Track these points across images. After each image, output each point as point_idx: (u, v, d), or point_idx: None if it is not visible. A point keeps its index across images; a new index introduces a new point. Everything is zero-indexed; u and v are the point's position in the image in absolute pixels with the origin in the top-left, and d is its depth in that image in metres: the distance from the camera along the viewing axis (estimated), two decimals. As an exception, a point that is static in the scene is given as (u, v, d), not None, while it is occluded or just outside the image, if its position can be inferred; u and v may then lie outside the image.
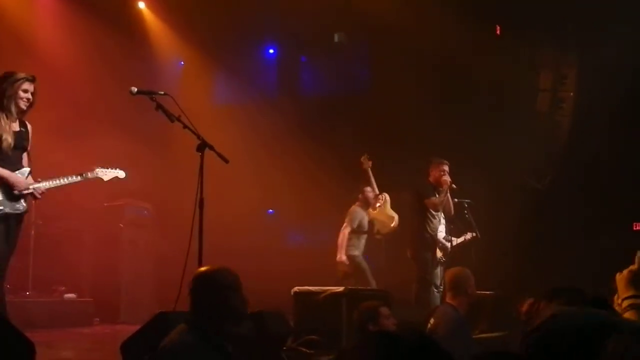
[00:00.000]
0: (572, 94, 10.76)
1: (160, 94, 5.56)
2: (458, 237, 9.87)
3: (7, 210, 5.56)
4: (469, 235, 9.82)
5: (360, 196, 9.95)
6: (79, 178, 6.03)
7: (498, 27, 11.34)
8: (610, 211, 9.94)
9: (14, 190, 5.61)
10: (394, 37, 11.35)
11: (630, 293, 3.00)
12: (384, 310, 5.24)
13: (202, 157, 5.45)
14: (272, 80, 13.83)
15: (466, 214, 9.81)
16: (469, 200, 9.84)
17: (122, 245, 10.51)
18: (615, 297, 4.08)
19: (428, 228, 8.94)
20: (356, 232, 9.83)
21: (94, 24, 10.68)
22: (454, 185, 8.86)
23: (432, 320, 5.43)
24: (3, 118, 5.58)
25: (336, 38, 13.00)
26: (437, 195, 8.88)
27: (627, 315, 2.84)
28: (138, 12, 12.29)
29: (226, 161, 6.75)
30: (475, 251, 9.77)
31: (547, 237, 10.40)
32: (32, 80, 5.70)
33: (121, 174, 6.30)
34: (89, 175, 6.10)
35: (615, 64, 9.61)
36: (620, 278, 3.09)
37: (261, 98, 13.13)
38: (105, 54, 10.87)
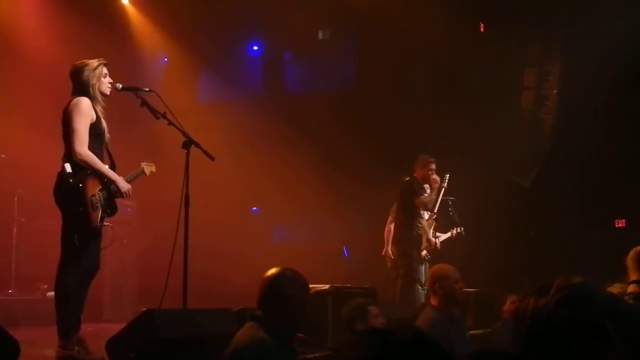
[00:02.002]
0: (555, 91, 10.80)
1: (146, 91, 5.53)
2: (444, 233, 9.91)
3: (109, 216, 5.41)
4: (455, 231, 9.85)
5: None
6: (138, 174, 5.83)
7: (482, 24, 11.36)
8: (594, 209, 10.01)
9: (119, 195, 5.46)
10: (378, 33, 11.36)
11: (636, 276, 2.98)
12: (373, 309, 5.22)
13: (187, 155, 5.43)
14: (256, 76, 13.78)
15: (450, 211, 9.84)
16: (453, 198, 9.87)
17: (106, 243, 10.42)
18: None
19: (417, 226, 8.97)
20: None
21: (77, 19, 10.58)
22: (444, 185, 8.96)
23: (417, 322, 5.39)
24: (98, 108, 5.37)
25: (320, 35, 12.99)
26: (425, 194, 8.85)
27: None
28: (121, 8, 12.19)
29: (212, 158, 6.73)
30: (460, 248, 9.80)
31: (532, 234, 10.46)
32: (106, 63, 5.51)
33: (154, 167, 6.07)
34: (139, 171, 5.88)
35: (599, 61, 9.65)
36: (629, 259, 3.08)
37: (245, 95, 13.08)
38: (89, 50, 10.69)
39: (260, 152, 11.28)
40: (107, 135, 5.41)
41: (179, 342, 4.30)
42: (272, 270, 3.73)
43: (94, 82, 5.37)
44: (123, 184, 5.43)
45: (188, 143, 5.40)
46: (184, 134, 5.41)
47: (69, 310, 5.24)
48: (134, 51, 12.30)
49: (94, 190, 5.25)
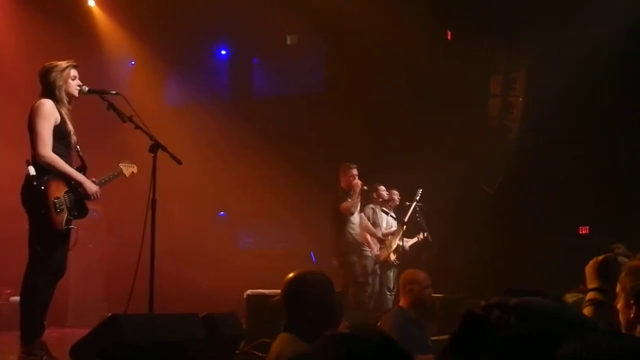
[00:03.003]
0: (521, 99, 10.91)
1: (112, 94, 5.49)
2: (411, 238, 9.98)
3: (76, 218, 5.34)
4: (421, 235, 9.93)
5: (374, 195, 9.90)
6: (114, 175, 5.80)
7: (449, 32, 11.46)
8: (558, 215, 10.13)
9: (87, 198, 5.40)
10: (347, 39, 11.41)
11: (594, 285, 3.04)
12: None
13: (154, 158, 5.39)
14: (224, 81, 13.76)
15: (417, 217, 9.90)
16: (420, 204, 9.94)
17: (69, 246, 10.30)
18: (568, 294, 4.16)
19: (350, 231, 9.00)
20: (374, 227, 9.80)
21: (41, 21, 10.47)
22: (365, 187, 8.98)
23: (379, 323, 5.44)
24: (64, 110, 5.31)
25: (289, 40, 13.00)
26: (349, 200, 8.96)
27: (585, 310, 2.88)
28: (87, 10, 12.07)
29: (179, 162, 6.69)
30: (425, 254, 9.87)
31: (498, 240, 10.55)
32: (76, 66, 5.47)
33: (136, 169, 6.04)
34: (115, 172, 5.83)
35: (565, 70, 9.78)
36: (588, 267, 3.13)
37: (213, 99, 13.06)
38: (53, 52, 10.62)
39: (227, 156, 11.25)
40: (73, 137, 5.36)
41: (145, 348, 4.26)
42: (289, 276, 3.65)
43: (61, 83, 5.33)
44: (90, 186, 5.39)
45: (155, 147, 5.36)
46: (151, 137, 5.37)
47: (33, 315, 5.18)
48: (100, 54, 12.20)
49: (59, 192, 5.19)
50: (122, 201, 9.62)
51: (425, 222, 9.97)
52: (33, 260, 5.20)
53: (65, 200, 5.23)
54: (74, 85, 5.40)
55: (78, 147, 5.49)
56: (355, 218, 9.10)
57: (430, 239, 9.97)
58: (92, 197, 5.43)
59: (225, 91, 13.66)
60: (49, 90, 5.30)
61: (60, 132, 5.25)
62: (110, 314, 4.71)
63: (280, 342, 3.53)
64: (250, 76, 13.76)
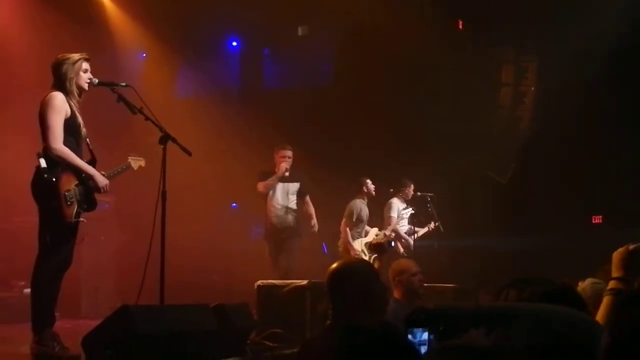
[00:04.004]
0: (533, 88, 10.86)
1: (122, 86, 5.50)
2: (421, 228, 10.01)
3: (86, 211, 5.37)
4: (432, 225, 9.96)
5: (360, 189, 9.93)
6: (123, 168, 5.84)
7: (460, 22, 11.41)
8: (571, 205, 10.08)
9: (97, 191, 5.42)
10: (358, 30, 11.36)
11: (619, 274, 3.00)
12: None
13: (164, 150, 5.40)
14: (235, 72, 13.75)
15: (429, 207, 9.91)
16: (431, 194, 9.94)
17: (79, 239, 10.33)
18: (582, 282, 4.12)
19: (269, 215, 9.13)
20: (355, 224, 9.85)
21: (53, 14, 10.49)
22: (286, 173, 9.03)
23: None
24: (74, 103, 5.32)
25: (300, 31, 12.98)
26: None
27: (605, 299, 2.84)
28: (100, 3, 12.10)
29: (189, 154, 6.71)
30: (438, 244, 9.87)
31: (509, 230, 10.52)
32: (88, 59, 5.48)
33: (144, 162, 6.07)
34: (124, 166, 5.88)
35: (576, 59, 9.73)
36: (616, 254, 3.08)
37: (224, 90, 13.06)
38: (66, 45, 10.64)
39: (238, 148, 11.23)
40: (83, 130, 5.38)
41: (155, 338, 4.29)
42: (332, 266, 3.69)
43: (72, 76, 5.34)
44: (101, 179, 5.40)
45: (165, 138, 5.37)
46: (161, 129, 5.38)
47: (44, 305, 5.22)
48: (112, 46, 12.21)
49: (69, 185, 5.21)
50: (133, 193, 9.65)
51: (437, 213, 9.97)
52: (42, 252, 5.23)
53: (75, 193, 5.25)
54: (85, 78, 5.41)
55: (88, 139, 5.50)
56: (284, 202, 9.12)
57: (442, 229, 9.98)
58: (102, 190, 5.45)
59: (236, 82, 13.65)
60: (60, 82, 5.32)
61: (70, 125, 5.27)
62: (121, 305, 4.74)
63: (322, 331, 3.62)
64: (261, 67, 13.75)
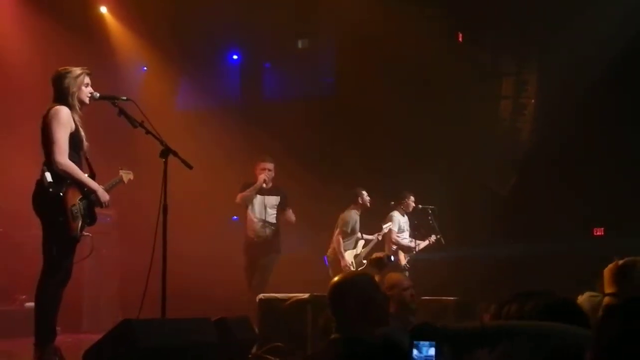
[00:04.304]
0: (533, 100, 10.89)
1: (123, 100, 5.51)
2: (422, 241, 10.00)
3: (89, 225, 5.39)
4: (433, 238, 9.97)
5: (355, 200, 9.95)
6: (116, 182, 5.85)
7: (460, 34, 11.44)
8: (572, 217, 10.07)
9: (99, 205, 5.44)
10: (358, 42, 11.40)
11: (612, 290, 2.99)
12: None
13: (165, 163, 5.40)
14: (235, 86, 13.77)
15: (430, 220, 9.91)
16: (432, 207, 9.94)
17: (84, 253, 10.33)
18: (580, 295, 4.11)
19: (247, 228, 9.03)
20: (348, 235, 9.89)
21: (54, 28, 10.53)
22: (264, 185, 8.89)
23: None
24: (76, 116, 5.33)
25: (300, 44, 13.02)
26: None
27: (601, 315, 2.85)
28: (100, 17, 12.14)
29: (190, 167, 6.70)
30: (439, 257, 9.86)
31: (509, 243, 10.51)
32: (90, 73, 5.49)
33: (132, 175, 6.09)
34: (117, 179, 5.88)
35: (576, 71, 9.75)
36: (607, 270, 3.08)
37: (225, 103, 13.08)
38: (66, 59, 10.67)
39: (239, 161, 11.24)
40: (85, 144, 5.39)
41: (157, 352, 4.28)
42: (332, 280, 3.78)
43: (74, 90, 5.35)
44: (103, 194, 5.42)
45: (166, 152, 5.37)
46: (162, 142, 5.38)
47: (48, 319, 5.23)
48: (113, 60, 12.25)
49: (74, 200, 5.23)
50: (134, 206, 9.67)
51: (438, 225, 9.97)
52: (48, 266, 5.23)
53: (80, 207, 5.27)
54: (86, 92, 5.42)
55: (87, 155, 5.51)
56: (261, 215, 8.98)
57: (444, 242, 9.98)
58: (104, 204, 5.47)
59: (237, 95, 13.68)
60: (62, 95, 5.32)
61: (74, 140, 5.27)
62: (123, 319, 4.73)
63: (326, 343, 3.55)
64: (262, 80, 13.78)
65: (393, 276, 5.58)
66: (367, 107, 11.09)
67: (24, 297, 9.36)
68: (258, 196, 8.94)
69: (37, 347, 5.17)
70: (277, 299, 6.96)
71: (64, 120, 5.20)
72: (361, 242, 10.08)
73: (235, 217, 12.53)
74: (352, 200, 9.96)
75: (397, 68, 11.01)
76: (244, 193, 8.88)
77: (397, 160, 10.80)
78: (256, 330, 6.20)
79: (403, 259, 9.89)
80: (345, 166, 11.13)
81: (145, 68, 13.22)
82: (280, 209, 9.05)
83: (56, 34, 10.51)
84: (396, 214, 10.06)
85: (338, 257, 9.87)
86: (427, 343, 1.87)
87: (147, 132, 5.37)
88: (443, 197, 10.13)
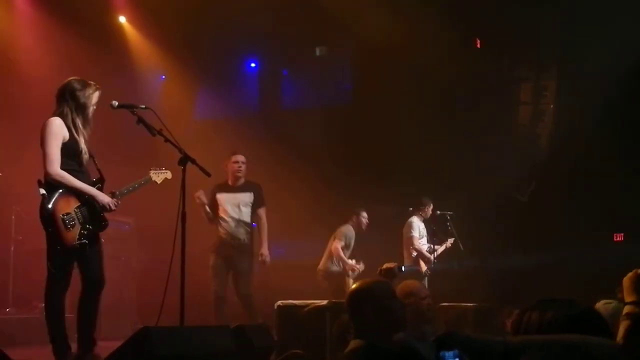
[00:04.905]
0: (552, 106, 10.82)
1: (142, 108, 5.53)
2: (440, 245, 9.99)
3: (93, 232, 5.45)
4: (449, 242, 9.95)
5: (354, 218, 10.06)
6: (141, 182, 5.91)
7: (478, 40, 11.41)
8: (592, 222, 10.00)
9: (103, 210, 5.51)
10: (375, 50, 11.40)
11: (632, 298, 2.96)
12: None
13: (183, 171, 5.42)
14: (253, 93, 13.81)
15: (449, 226, 9.87)
16: (451, 212, 9.90)
17: (104, 260, 10.39)
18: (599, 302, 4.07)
19: (218, 228, 8.34)
20: (344, 248, 9.99)
21: (74, 37, 10.62)
22: (238, 175, 8.35)
23: None
24: (79, 126, 5.42)
25: (318, 52, 13.04)
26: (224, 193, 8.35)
27: (622, 325, 2.81)
28: (119, 26, 12.24)
29: (208, 175, 6.71)
30: (458, 263, 9.81)
31: (529, 248, 10.44)
32: (100, 90, 5.61)
33: (169, 174, 6.13)
34: (144, 180, 5.95)
35: (595, 76, 9.69)
36: (626, 279, 3.05)
37: (243, 112, 13.12)
38: (86, 68, 10.78)
39: (257, 168, 11.27)
40: (85, 154, 5.45)
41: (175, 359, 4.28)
42: (351, 287, 3.98)
43: (84, 102, 5.48)
44: (102, 198, 5.47)
45: (184, 159, 5.39)
46: (180, 150, 5.41)
47: (58, 330, 5.31)
48: (132, 69, 12.34)
49: (68, 208, 5.29)
50: (153, 213, 9.70)
51: (457, 231, 9.94)
52: (48, 277, 5.36)
53: (77, 215, 5.32)
54: (93, 106, 5.54)
55: (95, 159, 5.57)
56: (231, 216, 8.32)
57: (462, 248, 9.94)
58: (106, 207, 5.51)
59: (255, 103, 13.72)
60: (68, 104, 5.42)
61: (70, 148, 5.35)
62: (142, 326, 4.75)
63: (349, 347, 3.68)
64: (280, 88, 13.81)
65: (410, 284, 5.51)
66: (385, 114, 11.08)
67: (42, 305, 9.41)
68: (229, 194, 8.31)
69: (55, 357, 5.24)
70: (295, 305, 6.95)
71: (54, 131, 5.29)
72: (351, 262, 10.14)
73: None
74: (350, 217, 10.08)
75: (415, 74, 10.99)
76: (203, 213, 8.16)
77: (414, 167, 10.76)
78: (274, 337, 6.19)
79: (423, 265, 9.85)
80: (361, 175, 11.12)
81: (163, 77, 13.30)
82: (255, 207, 8.45)
83: (76, 44, 10.61)
84: (415, 220, 10.05)
85: (331, 270, 9.98)
86: (451, 354, 1.87)
87: (166, 140, 5.40)
88: (461, 203, 10.09)
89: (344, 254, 10.01)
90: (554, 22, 10.39)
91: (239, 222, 8.29)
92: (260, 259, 8.39)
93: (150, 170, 6.05)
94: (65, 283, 5.44)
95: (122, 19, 12.24)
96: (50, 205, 5.20)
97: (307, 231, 10.66)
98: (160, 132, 5.38)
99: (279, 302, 7.04)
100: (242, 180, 8.37)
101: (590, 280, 8.57)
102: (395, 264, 7.92)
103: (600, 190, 10.09)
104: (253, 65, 13.72)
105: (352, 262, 9.99)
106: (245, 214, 8.35)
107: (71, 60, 10.69)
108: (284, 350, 6.01)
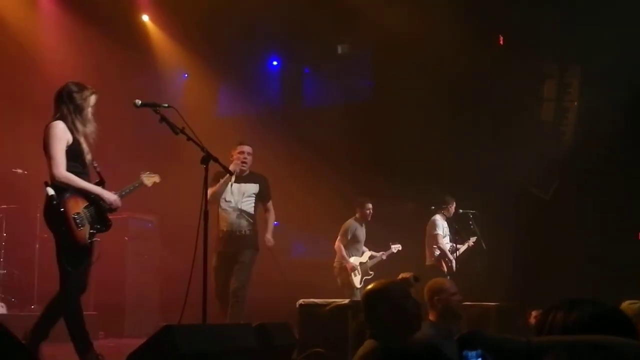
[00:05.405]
0: (576, 103, 10.74)
1: (164, 107, 5.56)
2: (462, 245, 9.96)
3: (100, 231, 5.53)
4: (471, 241, 9.92)
5: (358, 210, 10.09)
6: (135, 185, 5.98)
7: (501, 37, 11.34)
8: (615, 221, 9.90)
9: (108, 208, 5.59)
10: (397, 47, 11.37)
11: None
12: None
13: (206, 169, 5.45)
14: (275, 92, 13.84)
15: (471, 224, 9.83)
16: (473, 211, 9.85)
17: (127, 259, 10.49)
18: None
19: (220, 222, 7.83)
20: (350, 243, 10.01)
21: (97, 36, 10.72)
22: (243, 167, 7.78)
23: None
24: (79, 128, 5.50)
25: (339, 49, 13.03)
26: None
27: None
28: (142, 25, 12.32)
29: (231, 173, 6.76)
30: (480, 262, 9.77)
31: (552, 247, 10.36)
32: (97, 94, 5.68)
33: (158, 178, 6.20)
34: (137, 183, 6.02)
35: (620, 73, 9.59)
36: None
37: (265, 110, 13.15)
38: (109, 67, 10.89)
39: (280, 166, 11.30)
40: (88, 155, 5.52)
41: (197, 357, 4.30)
42: (367, 288, 4.05)
43: (80, 103, 5.54)
44: (108, 196, 5.56)
45: (207, 158, 5.42)
46: (203, 149, 5.43)
47: (79, 328, 5.36)
48: (154, 68, 12.42)
49: (77, 208, 5.36)
50: (175, 212, 9.75)
51: (479, 230, 9.89)
52: (63, 276, 5.38)
53: (85, 215, 5.40)
54: (91, 110, 5.61)
55: (95, 163, 5.65)
56: (230, 207, 7.82)
57: (485, 246, 9.89)
58: (112, 206, 5.60)
59: (277, 101, 13.74)
60: (68, 109, 5.48)
61: (74, 151, 5.42)
62: (164, 324, 4.77)
63: (363, 347, 3.75)
64: (302, 86, 13.82)
65: (440, 281, 5.51)
66: (406, 111, 11.04)
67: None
68: (234, 184, 7.82)
69: (79, 355, 5.29)
70: (317, 304, 6.96)
71: (59, 135, 5.37)
72: (367, 253, 10.17)
73: (275, 222, 12.58)
74: (355, 210, 10.09)
75: (437, 72, 10.95)
76: (214, 188, 7.55)
77: (437, 164, 10.72)
78: (296, 335, 6.20)
79: (445, 264, 9.83)
80: (384, 172, 11.09)
81: (186, 75, 13.37)
82: (259, 199, 8.03)
83: (99, 43, 10.70)
84: (439, 218, 10.03)
85: (344, 266, 9.99)
86: (474, 353, 1.87)
87: (189, 138, 5.42)
88: (484, 201, 10.04)
89: (355, 245, 10.04)
90: (578, 18, 10.29)
91: (242, 212, 7.88)
92: (266, 244, 8.05)
93: (141, 173, 6.11)
94: (85, 281, 5.50)
95: (145, 18, 12.32)
96: (61, 205, 5.28)
97: (328, 229, 10.66)
98: (182, 131, 5.40)
99: (301, 301, 7.06)
100: (247, 171, 7.96)
101: (614, 279, 8.50)
102: (411, 273, 7.90)
103: (624, 188, 10.00)
104: (275, 63, 13.75)
105: (353, 259, 10.01)
106: (249, 205, 7.93)
107: (95, 59, 10.79)
108: (306, 348, 6.03)
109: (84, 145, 5.50)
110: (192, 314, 5.32)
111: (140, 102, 5.53)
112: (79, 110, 5.51)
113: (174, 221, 10.26)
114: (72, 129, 5.44)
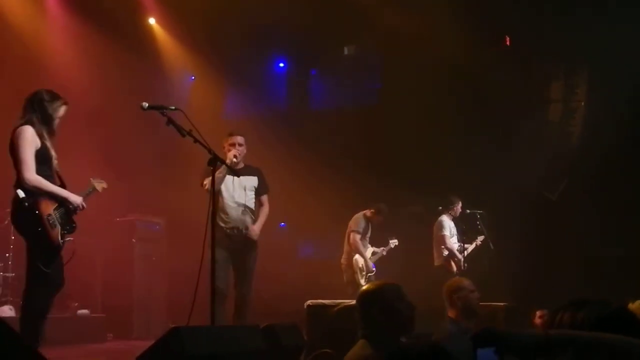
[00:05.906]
0: (583, 103, 10.72)
1: (171, 109, 5.57)
2: (470, 244, 9.95)
3: (69, 233, 5.61)
4: (479, 240, 9.91)
5: (374, 212, 10.04)
6: (90, 190, 6.01)
7: (507, 38, 11.32)
8: (623, 221, 9.88)
9: (74, 208, 5.65)
10: (404, 48, 11.37)
11: None
12: None
13: (213, 171, 5.46)
14: (282, 93, 13.86)
15: (478, 224, 9.81)
16: (481, 211, 9.84)
17: (135, 261, 10.53)
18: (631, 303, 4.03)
19: (220, 220, 7.19)
20: (361, 237, 9.98)
21: (104, 39, 10.75)
22: (235, 159, 7.16)
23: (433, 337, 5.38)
24: (46, 136, 5.56)
25: (346, 51, 13.04)
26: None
27: None
28: (148, 28, 12.35)
29: (237, 175, 6.75)
30: (488, 261, 9.75)
31: (559, 247, 10.34)
32: (67, 105, 5.76)
33: (105, 184, 6.22)
34: (90, 188, 6.04)
35: (625, 73, 9.57)
36: None
37: (271, 112, 13.16)
38: (116, 69, 10.93)
39: (286, 168, 11.32)
40: (55, 160, 5.59)
41: (206, 359, 4.31)
42: (362, 288, 4.13)
43: (50, 113, 5.60)
44: (75, 198, 5.63)
45: (214, 160, 5.43)
46: (210, 151, 5.44)
47: (37, 330, 5.41)
48: (161, 70, 12.45)
49: (49, 209, 5.44)
50: (183, 214, 9.77)
51: (487, 230, 9.88)
52: (35, 277, 5.41)
53: (56, 216, 5.48)
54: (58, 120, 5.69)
55: (57, 167, 5.69)
56: (232, 202, 7.39)
57: (492, 246, 9.88)
58: (78, 207, 5.66)
59: (284, 103, 13.76)
60: (38, 116, 5.53)
61: (42, 155, 5.48)
62: (172, 326, 4.78)
63: (355, 347, 3.86)
64: (308, 88, 13.83)
65: (458, 280, 5.60)
66: (413, 113, 11.04)
67: (76, 304, 9.55)
68: (233, 177, 7.34)
69: None
70: (325, 305, 6.96)
71: (29, 139, 5.41)
72: (370, 249, 10.13)
73: (282, 224, 12.61)
74: (368, 207, 10.05)
75: (444, 72, 10.95)
76: (209, 179, 6.47)
77: (444, 166, 10.71)
78: (304, 336, 6.20)
79: (454, 264, 9.83)
80: (389, 173, 11.08)
81: (193, 77, 13.40)
82: (260, 192, 7.68)
83: (106, 46, 10.73)
84: (445, 219, 10.01)
85: (350, 263, 9.90)
86: (489, 351, 1.87)
87: (196, 140, 5.43)
88: (491, 202, 10.02)
89: (361, 243, 10.00)
90: (585, 19, 10.27)
91: (245, 207, 7.51)
92: (251, 233, 7.48)
93: (91, 179, 6.16)
94: (61, 278, 5.58)
95: (152, 21, 12.35)
96: (35, 206, 5.34)
97: (335, 231, 10.66)
98: (190, 133, 5.40)
99: (309, 302, 7.06)
100: (241, 164, 7.47)
101: (622, 280, 8.47)
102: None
103: (630, 189, 9.97)
104: (281, 65, 13.77)
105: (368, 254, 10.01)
106: (250, 199, 7.58)
107: (101, 61, 10.82)
108: (314, 349, 6.03)
109: (52, 151, 5.58)
110: (200, 316, 5.33)
111: (147, 104, 5.53)
112: (47, 120, 5.59)
113: (181, 223, 10.27)
114: (41, 135, 5.51)
